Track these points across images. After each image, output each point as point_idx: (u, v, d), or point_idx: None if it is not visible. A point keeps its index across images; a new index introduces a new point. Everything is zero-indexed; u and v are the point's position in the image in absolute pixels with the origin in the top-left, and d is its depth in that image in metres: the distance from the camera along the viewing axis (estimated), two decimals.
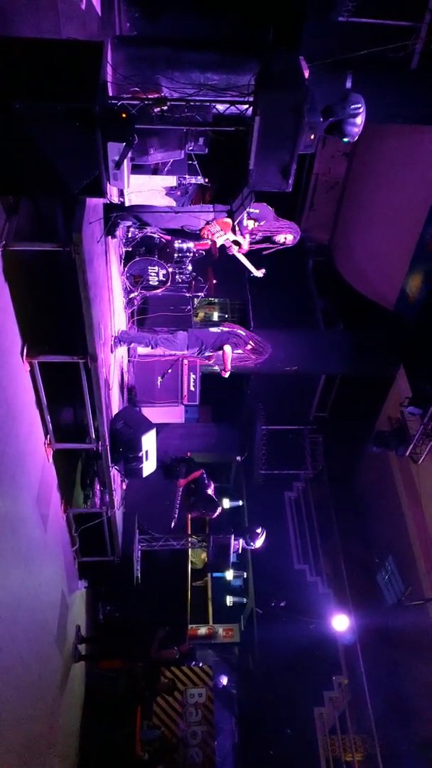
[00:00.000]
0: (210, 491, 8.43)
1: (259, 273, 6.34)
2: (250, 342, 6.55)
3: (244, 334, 6.62)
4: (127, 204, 6.36)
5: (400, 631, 10.58)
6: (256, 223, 6.01)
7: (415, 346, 10.26)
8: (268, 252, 6.18)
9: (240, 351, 6.59)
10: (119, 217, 5.70)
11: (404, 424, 10.13)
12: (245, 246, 6.07)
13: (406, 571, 10.97)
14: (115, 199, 5.94)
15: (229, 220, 5.92)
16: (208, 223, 5.98)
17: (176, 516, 8.61)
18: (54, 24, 4.47)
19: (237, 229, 5.97)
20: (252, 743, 10.96)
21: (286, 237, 6.06)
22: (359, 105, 4.64)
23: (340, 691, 10.91)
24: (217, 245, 6.15)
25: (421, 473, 10.08)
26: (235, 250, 6.09)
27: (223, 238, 5.94)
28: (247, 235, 6.05)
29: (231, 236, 5.96)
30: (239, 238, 6.03)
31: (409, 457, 10.02)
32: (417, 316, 10.28)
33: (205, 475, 8.48)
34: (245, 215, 5.87)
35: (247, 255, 6.22)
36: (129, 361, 7.39)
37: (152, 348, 6.68)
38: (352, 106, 4.63)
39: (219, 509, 8.29)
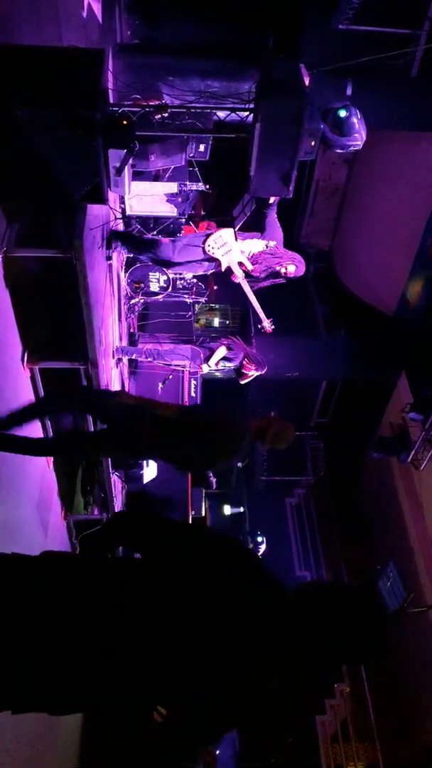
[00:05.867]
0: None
1: (267, 323, 6.17)
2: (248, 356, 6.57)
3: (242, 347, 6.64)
4: (128, 211, 6.37)
5: (402, 638, 10.51)
6: (264, 243, 5.87)
7: (417, 351, 10.25)
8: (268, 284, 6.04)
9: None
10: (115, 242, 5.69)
11: (406, 430, 10.11)
12: (248, 266, 5.93)
13: (407, 578, 10.93)
14: (117, 207, 5.96)
15: (231, 230, 5.83)
16: (209, 236, 5.92)
17: None
18: (55, 32, 4.49)
19: (241, 249, 5.87)
20: (253, 751, 10.90)
21: (287, 267, 5.84)
22: (357, 142, 4.72)
23: (341, 698, 10.85)
24: (222, 266, 6.03)
25: (423, 480, 10.05)
26: (240, 277, 5.93)
27: (223, 250, 5.83)
28: (247, 259, 5.93)
29: (235, 251, 5.84)
30: (243, 258, 5.89)
31: (411, 464, 9.99)
32: (418, 322, 10.28)
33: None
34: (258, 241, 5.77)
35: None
36: (130, 372, 7.39)
37: (153, 360, 6.67)
38: (350, 144, 4.74)
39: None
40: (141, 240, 6.19)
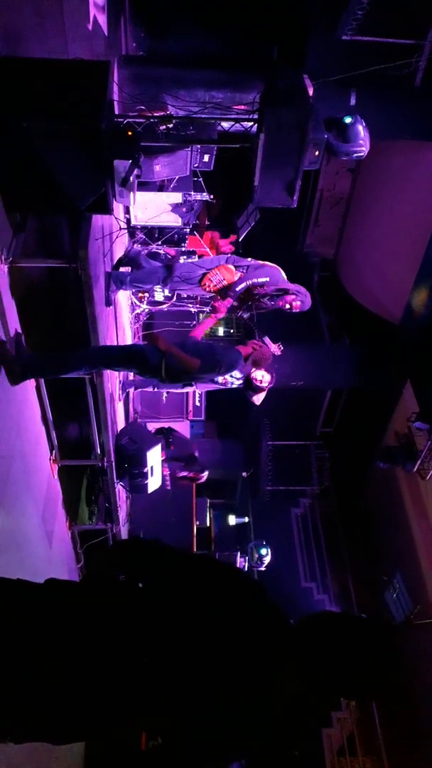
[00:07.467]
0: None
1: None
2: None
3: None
4: (133, 221, 6.39)
5: (409, 650, 10.41)
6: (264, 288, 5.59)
7: (422, 360, 10.22)
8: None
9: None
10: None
11: (411, 440, 10.06)
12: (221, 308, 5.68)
13: (414, 589, 10.83)
14: (122, 218, 5.96)
15: (232, 268, 5.60)
16: (208, 271, 5.66)
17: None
18: (61, 44, 4.52)
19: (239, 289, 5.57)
20: (259, 765, 10.76)
21: (293, 303, 5.56)
22: (362, 149, 4.70)
23: (348, 711, 10.73)
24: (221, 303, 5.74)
25: (429, 489, 9.99)
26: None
27: (217, 278, 5.60)
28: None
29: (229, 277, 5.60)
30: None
31: (417, 473, 9.93)
32: (423, 331, 10.25)
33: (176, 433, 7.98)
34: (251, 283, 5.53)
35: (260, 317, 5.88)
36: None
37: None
38: (355, 150, 4.72)
39: (205, 474, 7.92)
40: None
